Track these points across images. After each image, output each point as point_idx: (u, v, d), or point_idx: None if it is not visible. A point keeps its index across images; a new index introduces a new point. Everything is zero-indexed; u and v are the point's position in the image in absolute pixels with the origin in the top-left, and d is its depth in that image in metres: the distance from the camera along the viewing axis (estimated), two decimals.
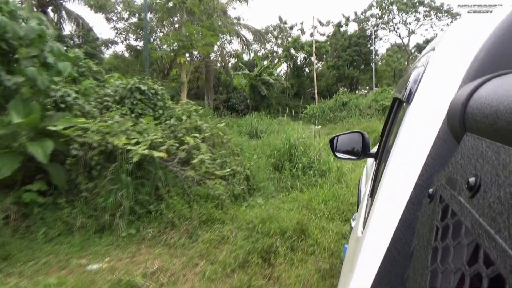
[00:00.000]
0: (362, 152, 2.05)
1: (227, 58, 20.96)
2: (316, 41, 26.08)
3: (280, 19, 27.50)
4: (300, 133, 7.84)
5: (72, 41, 17.43)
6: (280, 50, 26.72)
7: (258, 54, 25.27)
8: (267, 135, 10.23)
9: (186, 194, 4.48)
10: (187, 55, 14.83)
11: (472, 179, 0.29)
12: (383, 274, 0.55)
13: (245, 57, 25.09)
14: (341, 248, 3.60)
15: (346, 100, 16.45)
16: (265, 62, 27.55)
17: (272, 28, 28.20)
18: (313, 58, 22.57)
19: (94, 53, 16.90)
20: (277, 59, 25.02)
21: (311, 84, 28.09)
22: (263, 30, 27.46)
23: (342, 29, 27.10)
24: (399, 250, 0.52)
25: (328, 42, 26.64)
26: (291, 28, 27.48)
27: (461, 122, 0.36)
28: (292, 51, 24.87)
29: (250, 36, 24.76)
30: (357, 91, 27.02)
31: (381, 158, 1.32)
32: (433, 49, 0.93)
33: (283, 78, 24.61)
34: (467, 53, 0.60)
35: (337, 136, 2.25)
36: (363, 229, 0.91)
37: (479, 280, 0.24)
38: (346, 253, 1.31)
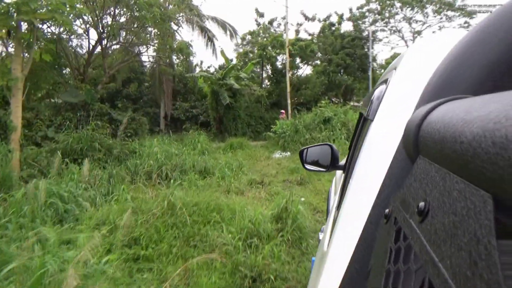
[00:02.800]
0: (331, 164, 2.14)
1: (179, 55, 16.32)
2: (300, 39, 21.65)
3: (257, 11, 23.09)
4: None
5: None
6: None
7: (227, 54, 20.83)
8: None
9: None
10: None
11: (421, 204, 0.31)
12: None
13: (209, 56, 20.73)
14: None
15: (330, 115, 12.12)
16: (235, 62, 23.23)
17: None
18: (285, 57, 17.90)
19: None
20: (248, 61, 20.26)
21: (296, 92, 23.69)
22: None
23: (333, 28, 22.62)
24: (357, 270, 0.55)
25: (315, 41, 22.13)
26: (270, 22, 23.16)
27: (414, 145, 0.38)
28: (270, 50, 20.30)
29: (218, 31, 20.51)
30: (351, 103, 22.51)
31: (348, 171, 1.39)
32: (395, 68, 1.00)
33: (255, 84, 19.92)
34: (425, 74, 0.63)
35: (307, 148, 2.37)
36: (328, 244, 0.97)
37: None
38: (313, 266, 1.40)
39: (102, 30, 12.61)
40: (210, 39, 20.30)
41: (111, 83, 19.02)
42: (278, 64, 23.05)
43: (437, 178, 0.30)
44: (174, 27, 21.81)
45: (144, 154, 7.32)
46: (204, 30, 20.09)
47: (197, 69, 27.00)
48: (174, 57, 16.85)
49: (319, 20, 24.69)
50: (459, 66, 0.45)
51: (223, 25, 21.67)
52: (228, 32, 21.94)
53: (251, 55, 24.05)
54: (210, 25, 21.91)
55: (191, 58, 22.03)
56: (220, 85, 18.11)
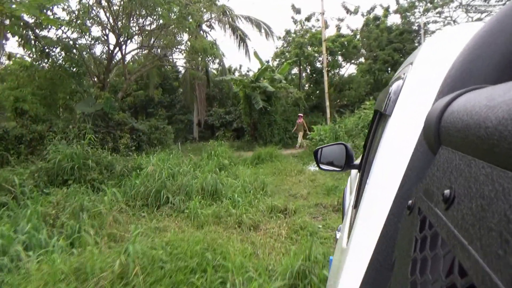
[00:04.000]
0: (346, 164, 2.14)
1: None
2: (341, 35, 19.80)
3: (293, 7, 21.51)
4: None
5: None
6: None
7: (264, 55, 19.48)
8: None
9: None
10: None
11: (447, 192, 0.32)
12: (367, 286, 0.60)
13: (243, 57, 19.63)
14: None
15: None
16: (274, 64, 21.71)
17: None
18: (323, 56, 16.14)
19: None
20: (285, 61, 18.70)
21: (339, 93, 21.83)
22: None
23: (378, 21, 20.50)
24: (381, 262, 0.56)
25: (358, 37, 20.16)
26: (308, 19, 21.46)
27: (436, 136, 0.38)
28: (309, 49, 18.67)
29: (252, 31, 19.27)
30: None
31: (364, 169, 1.41)
32: (411, 63, 1.01)
33: (292, 86, 18.33)
34: (443, 67, 0.64)
35: (321, 148, 2.39)
36: (348, 241, 0.99)
37: None
38: (331, 265, 1.40)
39: (119, 33, 11.71)
40: (242, 39, 19.02)
41: (140, 91, 18.32)
42: (318, 63, 21.31)
43: (462, 166, 0.31)
44: (206, 28, 21.02)
45: (143, 174, 6.06)
46: (235, 30, 18.87)
47: (236, 74, 25.94)
48: (209, 61, 15.61)
49: (362, 14, 22.64)
50: (478, 57, 0.46)
51: (257, 24, 20.32)
52: (263, 32, 20.58)
53: (288, 54, 22.43)
54: (243, 25, 20.81)
55: (223, 60, 21.03)
56: (253, 88, 16.74)
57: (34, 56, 11.58)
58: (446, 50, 0.85)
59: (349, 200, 2.20)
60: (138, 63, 14.32)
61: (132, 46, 14.54)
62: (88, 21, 11.39)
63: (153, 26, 12.97)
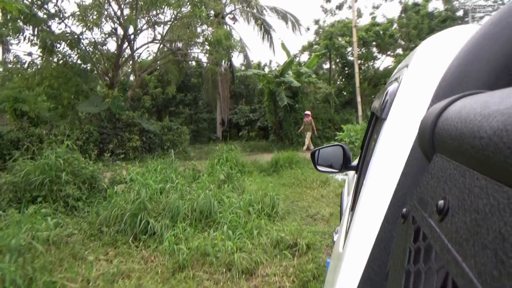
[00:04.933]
0: (343, 165, 2.16)
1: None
2: (376, 24, 17.98)
3: None
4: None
5: None
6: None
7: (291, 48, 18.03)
8: None
9: None
10: None
11: (441, 202, 0.31)
12: None
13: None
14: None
15: None
16: (302, 57, 20.20)
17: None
18: (354, 46, 14.43)
19: None
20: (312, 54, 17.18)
21: (373, 88, 20.05)
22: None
23: (418, 7, 18.51)
24: (375, 271, 0.55)
25: (395, 25, 18.26)
26: (339, 7, 19.80)
27: (430, 143, 0.38)
28: (340, 40, 17.05)
29: (278, 23, 17.98)
30: None
31: (361, 171, 1.40)
32: (407, 66, 1.00)
33: (321, 81, 16.77)
34: (438, 70, 0.64)
35: (319, 149, 2.39)
36: (344, 245, 0.96)
37: None
38: (328, 268, 1.40)
39: (126, 26, 10.69)
40: (266, 31, 17.68)
41: (157, 89, 17.40)
42: (350, 56, 19.55)
43: (456, 176, 0.30)
44: (229, 21, 19.81)
45: (119, 193, 4.90)
46: (257, 19, 17.53)
47: (266, 70, 24.58)
48: (226, 54, 14.36)
49: (400, 1, 20.65)
50: (474, 60, 0.46)
51: (283, 15, 18.90)
52: (289, 23, 19.11)
53: (317, 47, 20.80)
54: (269, 17, 19.40)
55: (247, 54, 19.75)
56: (277, 84, 15.37)
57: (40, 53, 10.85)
58: (442, 53, 0.85)
59: (347, 201, 2.22)
60: (154, 59, 13.28)
61: (144, 40, 13.48)
62: (93, 13, 10.46)
63: (166, 17, 11.92)
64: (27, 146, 9.08)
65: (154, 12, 10.75)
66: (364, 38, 17.76)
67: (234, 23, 19.71)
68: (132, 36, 11.40)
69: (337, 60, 20.22)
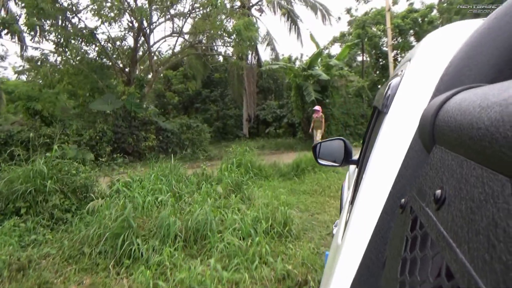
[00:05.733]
0: (344, 159, 2.15)
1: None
2: (414, 10, 16.54)
3: None
4: None
5: None
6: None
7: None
8: None
9: None
10: None
11: (438, 192, 0.32)
12: (358, 283, 0.59)
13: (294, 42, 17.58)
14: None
15: None
16: (332, 49, 19.01)
17: None
18: (388, 34, 13.18)
19: None
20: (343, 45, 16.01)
21: None
22: None
23: None
24: (373, 260, 0.56)
25: (435, 11, 16.73)
26: None
27: (430, 134, 0.38)
28: (374, 29, 15.81)
29: (306, 13, 17.01)
30: None
31: (362, 165, 1.41)
32: (409, 60, 1.00)
33: (353, 73, 15.64)
34: (441, 65, 0.64)
35: (320, 143, 2.37)
36: (342, 237, 0.98)
37: None
38: (327, 260, 1.40)
39: (141, 18, 10.12)
40: (294, 21, 16.69)
41: (181, 85, 16.85)
42: (384, 46, 18.15)
43: (454, 166, 0.31)
44: (256, 13, 18.97)
45: (107, 203, 4.22)
46: (284, 10, 16.55)
47: (297, 64, 23.53)
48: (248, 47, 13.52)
49: None
50: (476, 54, 0.46)
51: (313, 5, 17.82)
52: (319, 14, 18.01)
53: (349, 37, 19.52)
54: (297, 6, 18.41)
55: (275, 47, 18.82)
56: (305, 78, 14.39)
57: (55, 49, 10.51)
58: (444, 48, 0.84)
59: (347, 195, 2.21)
60: (172, 54, 12.68)
61: (163, 35, 12.87)
62: (107, 5, 9.96)
63: (185, 9, 11.27)
64: (38, 145, 8.75)
65: (168, 3, 10.11)
66: (400, 26, 16.36)
67: (260, 15, 18.93)
68: (147, 30, 10.83)
69: (371, 51, 18.87)
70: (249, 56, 18.15)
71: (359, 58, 20.97)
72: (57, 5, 9.58)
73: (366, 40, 17.56)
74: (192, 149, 11.43)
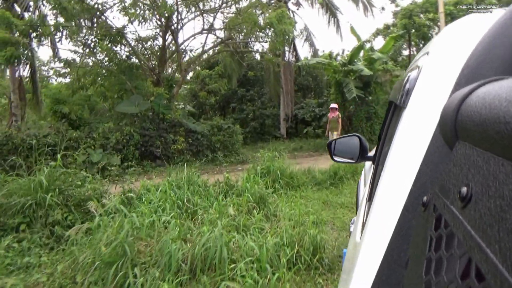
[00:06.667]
0: (359, 156, 2.12)
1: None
2: None
3: None
4: None
5: None
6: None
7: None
8: None
9: None
10: None
11: (463, 189, 0.31)
12: (380, 283, 0.58)
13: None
14: None
15: None
16: (375, 42, 17.72)
17: None
18: (441, 19, 11.84)
19: None
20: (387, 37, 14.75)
21: None
22: None
23: None
24: (395, 259, 0.55)
25: None
26: None
27: (452, 130, 0.38)
28: (422, 18, 14.48)
29: (346, 5, 16.02)
30: None
31: (378, 162, 1.39)
32: (427, 53, 0.97)
33: (398, 68, 14.39)
34: (461, 57, 0.62)
35: (335, 140, 2.36)
36: (361, 235, 0.96)
37: None
38: (345, 257, 1.39)
39: (167, 15, 9.64)
40: (333, 13, 15.65)
41: (214, 84, 16.33)
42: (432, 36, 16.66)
43: (480, 162, 0.30)
44: (293, 7, 18.09)
45: (105, 222, 3.62)
46: (322, 0, 15.53)
47: (339, 59, 22.32)
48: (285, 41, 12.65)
49: None
50: (498, 46, 0.44)
51: None
52: (360, 5, 16.81)
53: (394, 29, 18.09)
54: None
55: (314, 42, 17.85)
56: (345, 73, 13.37)
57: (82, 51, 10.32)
58: (464, 39, 0.79)
59: (363, 192, 2.20)
60: (203, 52, 12.15)
61: (193, 32, 12.39)
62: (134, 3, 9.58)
63: (215, 3, 10.70)
64: (64, 149, 8.46)
65: None
66: (452, 14, 14.78)
67: (298, 9, 18.01)
68: (175, 27, 10.34)
69: (419, 43, 17.36)
70: (287, 53, 17.34)
71: (406, 53, 19.51)
72: (83, 4, 9.34)
73: (413, 31, 16.14)
74: (224, 152, 10.84)
